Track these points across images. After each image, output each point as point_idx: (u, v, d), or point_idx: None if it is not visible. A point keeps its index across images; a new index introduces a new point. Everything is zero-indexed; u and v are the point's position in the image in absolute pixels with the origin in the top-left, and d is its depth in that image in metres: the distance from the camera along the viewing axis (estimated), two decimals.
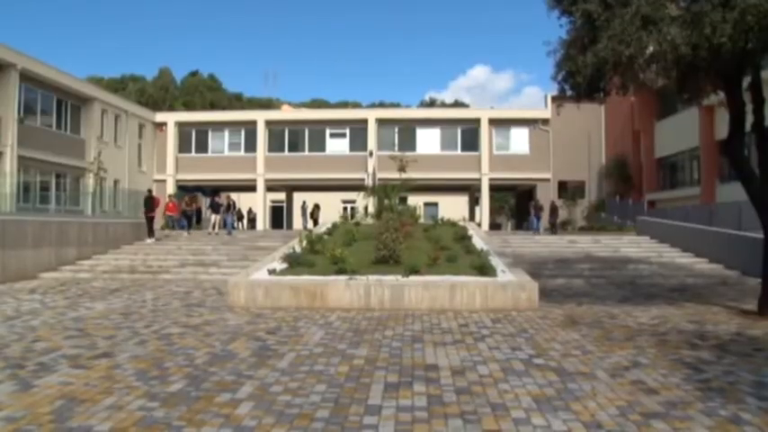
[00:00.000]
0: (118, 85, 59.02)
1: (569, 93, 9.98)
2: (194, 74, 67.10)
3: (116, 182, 28.91)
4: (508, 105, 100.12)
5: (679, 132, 27.49)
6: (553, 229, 25.72)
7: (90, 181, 26.33)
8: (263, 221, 32.65)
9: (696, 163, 26.90)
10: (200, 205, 27.04)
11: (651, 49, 8.28)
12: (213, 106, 57.90)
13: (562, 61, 9.54)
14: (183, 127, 33.35)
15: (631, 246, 19.79)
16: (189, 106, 56.39)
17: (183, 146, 33.32)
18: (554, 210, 26.49)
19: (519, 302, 10.27)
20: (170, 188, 30.94)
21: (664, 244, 19.82)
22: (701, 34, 7.82)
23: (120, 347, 6.85)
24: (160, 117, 33.73)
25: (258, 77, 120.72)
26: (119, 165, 29.21)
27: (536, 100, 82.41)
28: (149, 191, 22.46)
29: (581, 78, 9.14)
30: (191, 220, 25.00)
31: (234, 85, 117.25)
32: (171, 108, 52.52)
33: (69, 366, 5.94)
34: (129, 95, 49.54)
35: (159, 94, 58.40)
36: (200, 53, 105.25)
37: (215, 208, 23.74)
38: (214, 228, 23.15)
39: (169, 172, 32.53)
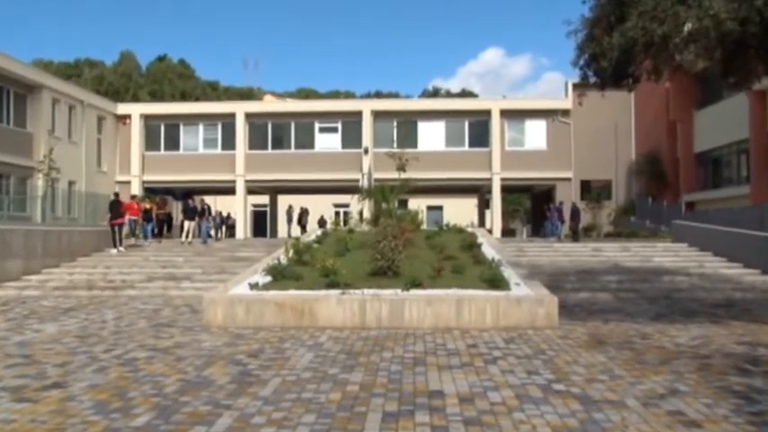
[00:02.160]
0: (71, 71, 58.88)
1: (593, 79, 10.02)
2: (162, 59, 67.08)
3: (71, 183, 28.67)
4: (524, 94, 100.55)
5: (723, 123, 27.44)
6: (575, 235, 25.77)
7: (39, 182, 25.81)
8: (243, 228, 32.64)
9: (744, 158, 26.72)
10: (170, 210, 26.95)
11: (690, 25, 8.22)
12: (185, 97, 57.96)
13: (585, 43, 9.57)
14: (149, 120, 33.34)
15: (667, 254, 19.83)
16: (156, 96, 56.41)
17: (151, 142, 33.31)
18: (576, 213, 26.53)
19: (536, 320, 10.27)
20: (135, 191, 30.89)
21: (705, 252, 19.85)
22: (751, 6, 7.72)
23: (74, 376, 6.81)
24: (122, 108, 33.70)
25: (237, 63, 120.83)
26: (74, 164, 28.93)
27: (557, 88, 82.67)
28: (116, 194, 22.44)
29: (606, 62, 9.15)
30: (162, 226, 24.92)
31: (208, 72, 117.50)
32: (135, 98, 52.54)
33: (12, 400, 5.84)
34: (84, 83, 49.50)
35: (121, 82, 58.31)
36: (169, 34, 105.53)
37: (189, 214, 23.72)
38: (187, 236, 23.12)
39: (134, 172, 32.49)
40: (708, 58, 9.24)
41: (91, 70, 61.99)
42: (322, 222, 33.06)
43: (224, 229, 31.12)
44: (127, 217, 22.54)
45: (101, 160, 31.81)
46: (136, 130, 32.84)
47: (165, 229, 25.94)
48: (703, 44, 8.43)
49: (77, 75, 58.26)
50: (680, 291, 15.27)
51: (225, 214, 32.92)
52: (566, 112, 31.88)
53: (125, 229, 21.97)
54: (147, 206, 23.94)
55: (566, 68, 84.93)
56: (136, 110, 33.75)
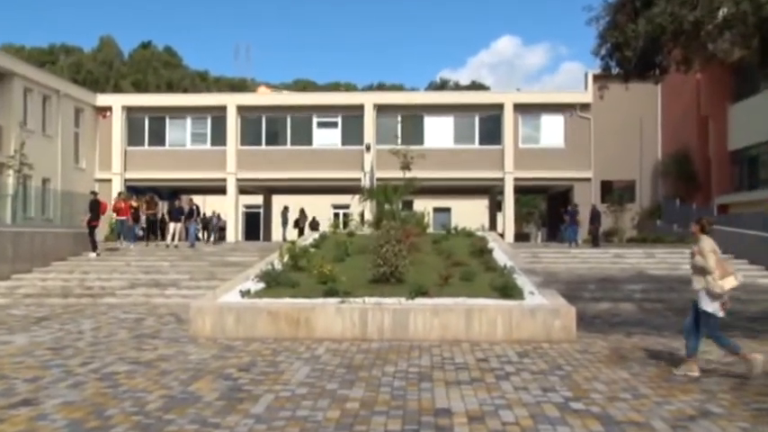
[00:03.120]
0: (45, 58, 58.91)
1: (616, 70, 9.98)
2: (146, 46, 67.12)
3: (45, 181, 28.55)
4: (540, 87, 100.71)
5: (761, 118, 27.23)
6: (595, 240, 25.73)
7: (9, 179, 25.55)
8: (234, 231, 32.67)
9: None
10: (157, 210, 26.77)
11: (725, 10, 8.14)
12: (171, 87, 58.00)
13: (607, 31, 9.52)
14: (132, 113, 33.39)
15: None
16: (140, 87, 56.40)
17: (134, 137, 33.35)
18: (596, 216, 26.48)
19: (552, 332, 10.26)
20: (117, 189, 30.90)
21: (740, 260, 19.77)
22: None
23: (47, 392, 6.79)
24: (103, 100, 33.74)
25: (228, 52, 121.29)
26: (49, 159, 28.76)
27: (576, 80, 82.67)
28: (94, 193, 22.38)
29: (631, 52, 9.10)
30: (153, 227, 24.58)
31: (197, 61, 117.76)
32: (116, 89, 52.56)
33: None
34: (60, 71, 49.45)
35: (101, 71, 58.26)
36: (154, 19, 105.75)
37: (175, 215, 23.71)
38: (173, 239, 23.13)
39: (115, 169, 32.52)
40: (744, 46, 9.15)
41: (67, 57, 61.88)
42: (314, 224, 33.03)
43: (217, 231, 30.91)
44: (115, 218, 22.50)
45: (78, 156, 31.80)
46: (117, 123, 32.86)
47: (157, 230, 25.55)
48: (740, 31, 8.36)
49: (52, 62, 58.23)
50: None
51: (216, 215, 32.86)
52: (585, 107, 31.84)
53: (100, 233, 21.95)
54: (134, 204, 23.52)
55: (586, 58, 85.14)
56: (117, 101, 33.80)
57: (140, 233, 24.23)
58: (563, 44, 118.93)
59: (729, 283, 7.67)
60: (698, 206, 28.66)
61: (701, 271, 7.74)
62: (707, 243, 7.83)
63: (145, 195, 26.91)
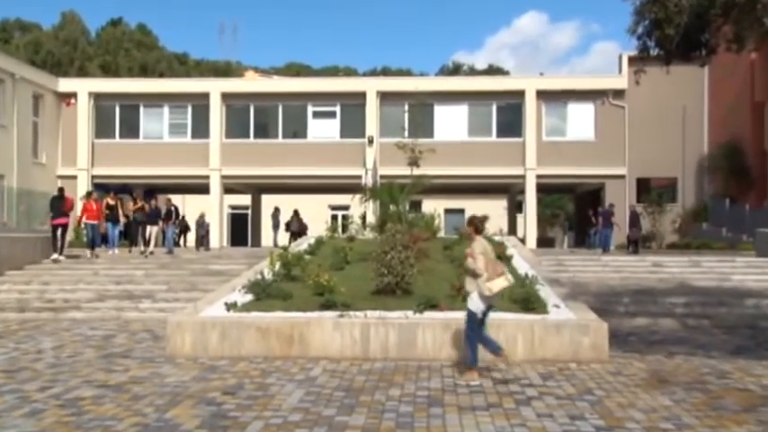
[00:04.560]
0: None
1: (655, 51, 9.94)
2: (116, 23, 67.28)
3: None
4: (568, 70, 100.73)
5: None
6: (634, 246, 25.64)
7: None
8: (218, 235, 32.70)
9: None
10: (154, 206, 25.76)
11: None
12: (145, 71, 58.15)
13: (645, 5, 9.48)
14: (100, 100, 33.43)
15: (750, 271, 19.73)
16: (109, 70, 56.54)
17: (102, 127, 33.41)
18: (635, 219, 26.36)
19: (580, 351, 10.27)
20: (83, 187, 30.96)
21: None
22: None
23: None
24: (66, 85, 33.76)
25: (211, 31, 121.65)
26: (2, 153, 28.66)
27: (609, 62, 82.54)
28: (60, 189, 22.38)
29: (673, 29, 9.05)
30: (141, 229, 23.67)
31: (175, 42, 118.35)
32: (82, 72, 52.63)
33: None
34: (16, 51, 49.53)
35: (63, 52, 58.17)
36: None
37: (151, 217, 23.65)
38: (148, 244, 23.15)
39: (81, 165, 32.54)
40: None
41: (24, 35, 61.83)
42: (300, 229, 32.29)
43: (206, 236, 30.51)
44: (84, 222, 22.22)
45: (37, 149, 31.77)
46: (83, 111, 32.91)
47: (142, 233, 24.43)
48: None
49: (5, 40, 58.35)
50: None
51: (195, 217, 32.62)
52: (619, 93, 31.80)
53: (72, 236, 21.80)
54: (111, 202, 23.04)
55: (621, 38, 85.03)
56: (83, 86, 33.78)
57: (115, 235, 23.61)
58: (595, 21, 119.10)
59: (499, 284, 8.59)
60: (752, 207, 28.52)
61: (474, 273, 8.65)
62: (478, 244, 8.77)
63: (124, 193, 26.42)
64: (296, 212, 32.82)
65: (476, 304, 8.70)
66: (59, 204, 20.82)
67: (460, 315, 10.86)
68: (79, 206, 23.06)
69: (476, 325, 8.80)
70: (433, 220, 21.37)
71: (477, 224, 9.00)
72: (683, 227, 31.62)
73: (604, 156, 31.63)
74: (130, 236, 25.00)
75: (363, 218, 24.79)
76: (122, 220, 24.12)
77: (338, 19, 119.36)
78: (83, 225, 22.75)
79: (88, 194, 23.88)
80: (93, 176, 32.52)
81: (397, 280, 12.33)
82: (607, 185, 31.75)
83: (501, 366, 9.10)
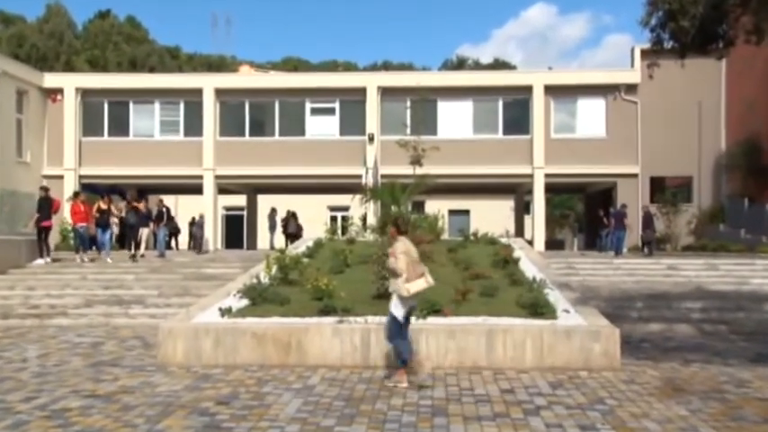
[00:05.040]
0: None
1: (669, 44, 9.92)
2: (104, 16, 67.32)
3: None
4: (578, 64, 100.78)
5: None
6: (648, 248, 25.64)
7: None
8: (212, 237, 32.72)
9: None
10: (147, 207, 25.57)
11: None
12: (135, 66, 58.18)
13: None
14: (88, 96, 33.43)
15: None
16: (97, 65, 56.51)
17: (90, 125, 33.40)
18: (648, 220, 26.37)
19: (591, 358, 10.27)
20: (70, 188, 30.96)
21: None
22: None
23: None
24: (52, 80, 33.72)
25: (203, 24, 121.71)
26: None
27: (621, 55, 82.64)
28: (45, 189, 22.37)
29: (688, 21, 9.04)
30: (132, 231, 23.56)
31: (166, 35, 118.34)
32: (68, 67, 52.66)
33: None
34: None
35: (49, 45, 58.15)
36: None
37: (141, 219, 23.66)
38: (138, 247, 23.17)
39: (68, 164, 32.54)
40: None
41: (7, 28, 61.74)
42: (296, 231, 32.23)
43: (201, 238, 30.40)
44: (72, 225, 22.17)
45: (22, 148, 31.69)
46: (70, 108, 32.90)
47: (132, 237, 24.25)
48: None
49: None
50: None
51: (187, 219, 32.63)
52: (632, 88, 31.79)
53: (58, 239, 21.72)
54: (103, 206, 22.79)
55: (634, 30, 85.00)
56: (69, 82, 33.74)
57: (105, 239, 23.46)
58: (607, 13, 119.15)
59: (418, 285, 8.87)
60: None
61: (394, 273, 8.97)
62: (400, 244, 9.07)
63: (114, 194, 26.05)
64: (293, 214, 32.77)
65: (396, 306, 8.97)
66: (48, 206, 20.82)
67: (466, 321, 10.92)
68: (65, 207, 23.03)
69: (399, 326, 9.04)
70: (436, 222, 21.42)
71: (400, 224, 9.38)
72: (699, 228, 31.59)
73: (616, 154, 31.60)
74: (127, 240, 24.65)
75: (364, 219, 24.78)
76: (115, 222, 23.99)
77: (337, 11, 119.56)
78: (70, 228, 22.61)
79: (75, 195, 23.68)
80: (81, 176, 32.50)
81: None
82: (619, 185, 31.72)
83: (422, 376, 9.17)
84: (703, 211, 32.08)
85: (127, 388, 8.83)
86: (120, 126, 33.42)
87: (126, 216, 24.23)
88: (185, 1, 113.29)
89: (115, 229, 25.86)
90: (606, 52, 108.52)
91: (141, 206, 23.76)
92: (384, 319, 10.94)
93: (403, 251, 8.96)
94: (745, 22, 9.31)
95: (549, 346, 10.33)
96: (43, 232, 20.85)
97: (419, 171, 21.05)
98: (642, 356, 11.34)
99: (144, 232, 23.52)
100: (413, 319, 9.54)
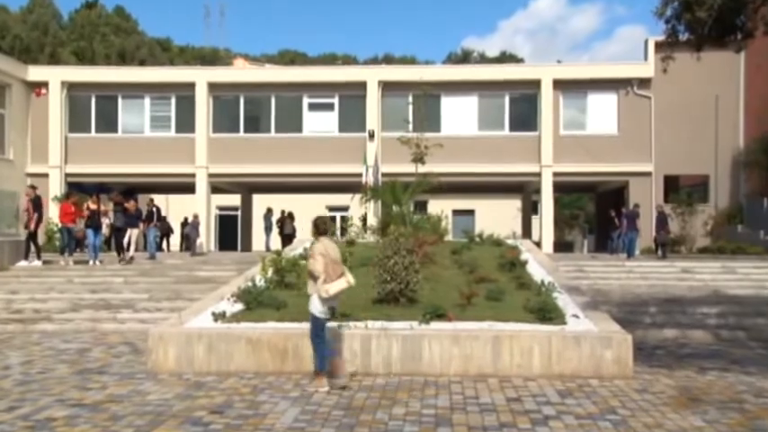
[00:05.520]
0: None
1: (685, 35, 9.91)
2: (91, 6, 67.31)
3: None
4: (589, 57, 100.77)
5: None
6: (662, 250, 25.64)
7: None
8: (205, 239, 32.74)
9: None
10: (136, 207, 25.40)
11: None
12: (124, 59, 58.19)
13: None
14: (74, 90, 33.42)
15: None
16: (84, 57, 56.44)
17: (77, 120, 33.40)
18: (662, 221, 26.36)
19: (602, 365, 10.27)
20: (56, 187, 30.98)
21: None
22: None
23: None
24: (36, 73, 33.68)
25: (196, 15, 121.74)
26: None
27: (634, 48, 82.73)
28: (33, 187, 22.33)
29: (705, 12, 9.04)
30: (120, 235, 23.30)
31: (157, 26, 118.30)
32: (54, 59, 52.61)
33: None
34: None
35: (33, 37, 58.09)
36: None
37: (131, 219, 23.59)
38: (128, 249, 23.14)
39: (53, 162, 32.51)
40: None
41: None
42: (289, 233, 32.21)
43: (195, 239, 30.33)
44: (60, 225, 22.10)
45: (4, 144, 31.63)
46: (55, 103, 32.87)
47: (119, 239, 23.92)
48: None
49: None
50: None
51: (179, 220, 32.52)
52: (645, 83, 31.78)
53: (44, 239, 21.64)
54: (93, 206, 22.39)
55: (648, 21, 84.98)
56: (55, 75, 33.71)
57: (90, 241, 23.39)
58: (620, 3, 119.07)
59: (337, 286, 9.25)
60: None
61: (312, 275, 9.34)
62: (319, 245, 9.42)
63: (102, 193, 25.72)
64: (290, 214, 32.78)
65: (316, 307, 9.33)
66: (41, 205, 20.83)
67: (471, 326, 10.92)
68: (51, 207, 23.02)
69: (320, 329, 9.39)
70: (439, 222, 21.42)
71: (319, 224, 9.70)
72: (716, 229, 31.57)
73: (628, 151, 31.60)
74: (117, 242, 24.20)
75: (364, 220, 24.82)
76: (106, 223, 23.81)
77: (336, 2, 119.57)
78: (57, 228, 22.55)
79: (67, 195, 23.64)
80: (67, 175, 32.48)
81: (401, 287, 12.34)
82: (631, 184, 31.71)
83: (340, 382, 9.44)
84: (720, 212, 32.06)
85: (115, 397, 8.83)
86: (108, 122, 33.42)
87: (114, 217, 23.97)
88: None
89: (105, 230, 25.74)
90: (618, 45, 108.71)
91: (131, 206, 23.56)
92: (386, 324, 11.00)
93: (321, 252, 9.28)
94: (764, 13, 9.30)
95: (557, 352, 10.33)
96: (33, 233, 20.83)
97: (422, 169, 21.09)
98: (656, 364, 11.34)
99: (134, 233, 23.44)
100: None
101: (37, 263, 20.46)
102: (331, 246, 9.57)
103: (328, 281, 9.17)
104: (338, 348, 10.07)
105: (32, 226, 20.77)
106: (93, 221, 22.27)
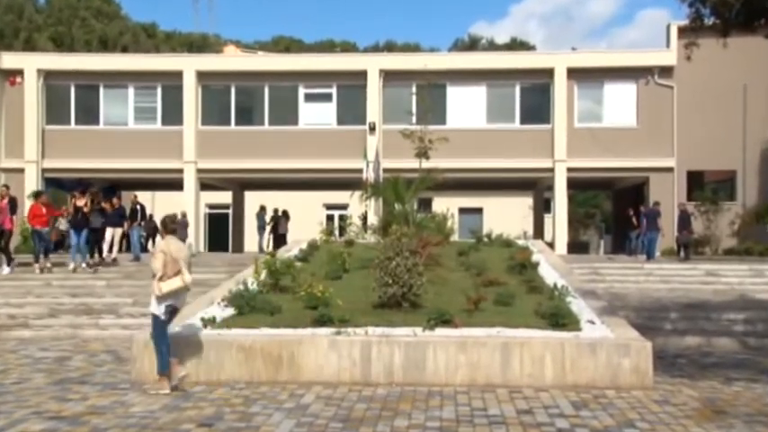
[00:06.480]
0: None
1: (710, 20, 9.91)
2: None
3: None
4: (606, 44, 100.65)
5: None
6: (684, 251, 25.63)
7: None
8: (193, 238, 32.74)
9: None
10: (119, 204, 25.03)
11: None
12: (106, 45, 58.17)
13: None
14: (52, 78, 33.40)
15: None
16: (62, 44, 56.41)
17: (55, 112, 33.40)
18: (685, 220, 26.33)
19: (619, 375, 10.27)
20: (32, 183, 30.96)
21: None
22: None
23: None
24: (10, 60, 33.65)
25: None
26: None
27: (655, 35, 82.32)
28: (7, 187, 22.25)
29: None
30: (97, 236, 23.01)
31: (141, 10, 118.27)
32: (29, 45, 52.57)
33: None
34: None
35: (7, 21, 58.02)
36: None
37: (112, 218, 23.54)
38: (110, 250, 23.13)
39: (29, 156, 32.47)
40: None
41: None
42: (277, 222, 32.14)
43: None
44: (31, 227, 21.82)
45: None
46: (32, 92, 32.82)
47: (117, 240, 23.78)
48: None
49: None
50: None
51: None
52: (667, 71, 31.75)
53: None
54: (79, 203, 21.59)
55: (670, 4, 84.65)
56: (31, 62, 33.67)
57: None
58: None
59: (171, 284, 9.72)
60: None
61: (152, 273, 9.90)
62: (162, 243, 10.09)
63: (94, 188, 25.13)
64: (284, 213, 32.79)
65: (154, 306, 9.90)
66: (13, 206, 20.74)
67: (478, 332, 10.93)
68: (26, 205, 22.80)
69: (159, 329, 9.90)
70: (445, 222, 21.41)
71: (167, 223, 10.34)
72: (744, 229, 31.53)
73: (648, 145, 31.57)
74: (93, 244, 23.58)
75: (364, 219, 24.82)
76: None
77: None
78: (29, 228, 22.03)
79: (36, 195, 23.02)
80: (44, 170, 32.49)
81: (404, 291, 12.34)
82: (651, 180, 31.70)
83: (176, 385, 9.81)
84: (748, 210, 32.02)
85: (96, 408, 8.84)
86: (88, 113, 33.42)
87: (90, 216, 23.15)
88: None
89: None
90: (638, 30, 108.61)
91: (108, 207, 23.05)
92: (388, 330, 11.02)
93: (162, 249, 9.92)
94: None
95: (571, 361, 10.32)
96: (7, 236, 20.63)
97: (426, 165, 21.09)
98: (677, 374, 11.35)
99: (117, 233, 23.38)
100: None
101: (6, 270, 20.31)
102: (175, 244, 10.05)
103: (165, 279, 9.68)
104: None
105: (9, 226, 20.58)
106: (78, 220, 21.38)
